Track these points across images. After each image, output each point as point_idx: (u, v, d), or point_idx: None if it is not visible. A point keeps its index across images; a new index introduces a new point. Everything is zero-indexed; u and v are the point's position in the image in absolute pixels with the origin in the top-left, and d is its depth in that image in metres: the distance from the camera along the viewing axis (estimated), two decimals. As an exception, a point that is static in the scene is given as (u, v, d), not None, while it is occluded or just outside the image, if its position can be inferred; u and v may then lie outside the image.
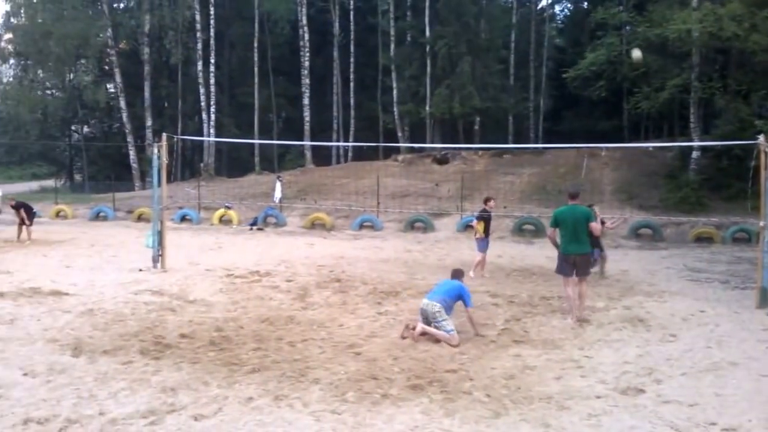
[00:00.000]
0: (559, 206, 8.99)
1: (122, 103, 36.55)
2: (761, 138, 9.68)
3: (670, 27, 22.23)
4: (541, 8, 44.34)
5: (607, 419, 5.00)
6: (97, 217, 25.40)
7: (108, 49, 36.54)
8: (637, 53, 18.87)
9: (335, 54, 38.20)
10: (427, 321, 7.36)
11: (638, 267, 14.00)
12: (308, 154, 36.47)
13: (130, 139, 36.76)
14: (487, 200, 12.89)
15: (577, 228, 8.25)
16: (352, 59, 38.66)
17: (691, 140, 24.93)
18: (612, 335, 7.54)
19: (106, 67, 39.49)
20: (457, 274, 8.16)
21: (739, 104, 24.48)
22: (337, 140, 38.02)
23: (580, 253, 8.27)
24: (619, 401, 5.41)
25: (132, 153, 36.72)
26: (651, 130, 36.01)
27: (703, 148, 24.04)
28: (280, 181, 25.99)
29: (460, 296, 7.63)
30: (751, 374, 6.14)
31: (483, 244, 12.70)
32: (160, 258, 12.19)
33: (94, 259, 13.60)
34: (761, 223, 9.48)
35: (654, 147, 27.20)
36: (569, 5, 45.95)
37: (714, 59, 25.96)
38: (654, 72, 26.64)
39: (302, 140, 34.93)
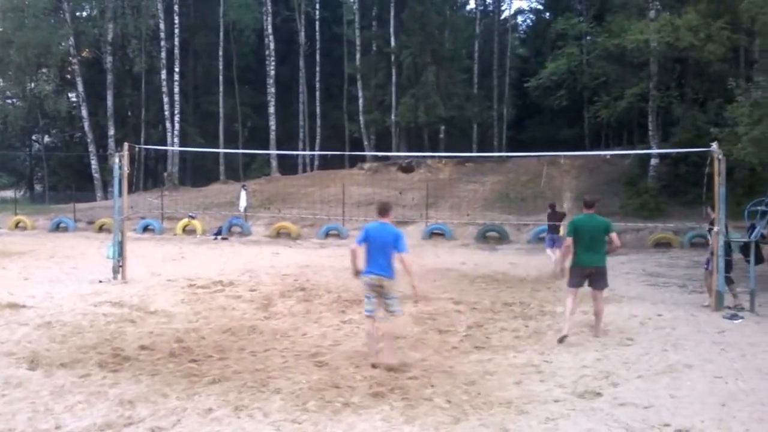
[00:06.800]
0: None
1: (84, 113, 35.84)
2: (714, 145, 9.98)
3: (628, 37, 22.74)
4: (504, 19, 44.98)
5: (564, 423, 5.08)
6: (57, 228, 24.96)
7: (70, 58, 35.88)
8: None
9: (301, 63, 38.12)
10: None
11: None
12: (274, 163, 36.28)
13: (92, 148, 36.05)
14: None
15: (594, 239, 7.79)
16: (317, 68, 38.62)
17: (649, 148, 25.48)
18: (571, 339, 7.64)
19: (68, 76, 38.70)
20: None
21: (695, 112, 25.17)
22: (303, 149, 37.86)
23: (595, 266, 7.79)
24: (576, 405, 5.50)
25: (94, 163, 36.01)
26: (611, 138, 36.71)
27: (661, 156, 24.58)
28: (245, 190, 25.80)
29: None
30: (705, 376, 6.30)
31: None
32: (120, 269, 12.02)
33: (53, 271, 13.35)
34: (715, 229, 9.75)
35: (611, 154, 27.77)
36: (531, 16, 46.69)
37: (671, 68, 26.60)
38: (613, 81, 27.26)
39: (268, 149, 34.74)
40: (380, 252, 6.67)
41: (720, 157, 9.70)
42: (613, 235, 7.94)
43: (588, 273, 7.80)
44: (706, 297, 10.35)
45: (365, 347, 7.08)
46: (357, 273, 6.89)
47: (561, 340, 7.51)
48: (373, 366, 6.47)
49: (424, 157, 32.47)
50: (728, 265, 9.92)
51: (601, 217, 8.32)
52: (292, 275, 13.04)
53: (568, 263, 8.05)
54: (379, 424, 5.00)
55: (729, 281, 9.94)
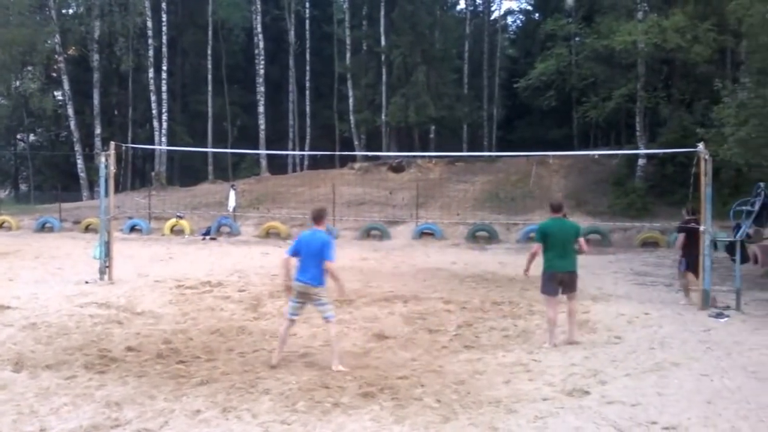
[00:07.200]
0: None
1: (70, 111, 35.59)
2: (701, 146, 10.05)
3: (617, 38, 22.89)
4: (494, 19, 45.10)
5: (552, 421, 5.09)
6: (42, 228, 24.70)
7: (56, 56, 35.61)
8: None
9: (291, 62, 38.04)
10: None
11: (586, 271, 14.16)
12: (263, 162, 36.16)
13: (78, 147, 35.78)
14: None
15: (565, 244, 7.54)
16: (307, 67, 38.57)
17: (637, 148, 25.66)
18: (559, 338, 7.67)
19: (54, 74, 38.45)
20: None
21: (682, 113, 25.35)
22: (293, 149, 37.78)
23: (567, 271, 7.54)
24: (565, 403, 5.51)
25: (80, 162, 35.73)
26: (600, 138, 36.90)
27: (648, 156, 24.75)
28: (234, 189, 25.69)
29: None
30: (692, 374, 6.35)
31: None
32: (107, 269, 11.92)
33: (38, 272, 13.23)
34: (701, 228, 9.82)
35: (599, 154, 27.95)
36: (521, 16, 46.88)
37: (658, 70, 26.78)
38: (601, 82, 27.41)
39: (257, 149, 34.63)
40: (309, 260, 6.57)
41: (706, 157, 9.77)
42: (582, 240, 7.78)
43: (560, 279, 7.54)
44: (683, 296, 10.49)
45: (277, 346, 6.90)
46: (287, 287, 6.79)
47: (555, 346, 7.36)
48: (271, 367, 6.48)
49: (414, 156, 32.52)
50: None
51: (570, 221, 8.14)
52: (282, 275, 12.97)
53: (532, 266, 7.75)
54: (369, 424, 4.99)
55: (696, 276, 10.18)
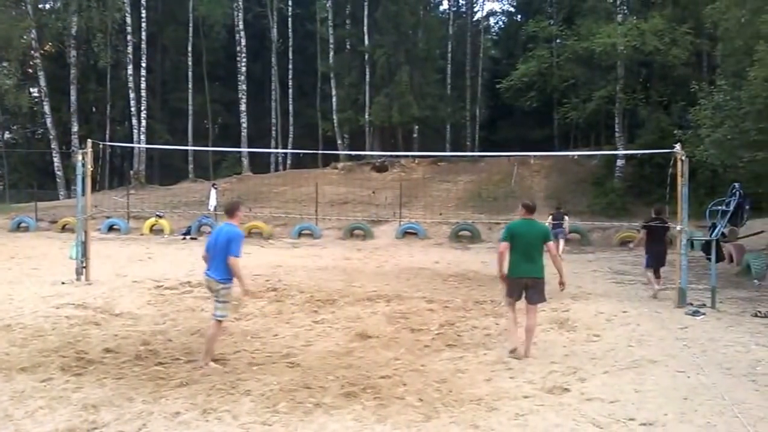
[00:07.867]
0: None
1: (46, 108, 35.08)
2: (678, 147, 10.18)
3: (597, 41, 23.16)
4: (477, 20, 45.26)
5: (533, 418, 5.12)
6: (18, 227, 24.28)
7: (32, 52, 35.10)
8: None
9: (273, 60, 37.86)
10: None
11: (566, 270, 14.29)
12: (245, 161, 35.96)
13: (54, 145, 35.32)
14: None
15: (531, 247, 6.97)
16: (290, 66, 38.44)
17: (616, 149, 25.95)
18: (540, 336, 7.71)
19: (30, 70, 37.89)
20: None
21: (660, 114, 25.70)
22: (276, 147, 37.62)
23: (532, 276, 6.93)
24: (545, 400, 5.55)
25: (56, 160, 35.26)
26: (580, 139, 37.21)
27: (627, 156, 25.03)
28: (215, 188, 25.50)
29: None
30: (668, 371, 6.42)
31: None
32: (84, 270, 11.74)
33: (13, 272, 12.99)
34: (678, 227, 9.95)
35: (579, 155, 28.22)
36: (503, 18, 47.06)
37: (637, 72, 27.13)
38: (582, 83, 27.69)
39: (239, 147, 34.44)
40: (216, 254, 6.55)
41: (683, 158, 9.90)
42: (551, 244, 7.19)
43: (524, 284, 6.96)
44: (652, 290, 10.89)
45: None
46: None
47: (512, 352, 6.94)
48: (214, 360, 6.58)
49: (397, 156, 32.60)
50: (661, 258, 10.83)
51: (541, 223, 7.86)
52: (264, 275, 12.89)
53: (505, 269, 7.11)
54: (351, 424, 4.99)
55: (657, 275, 10.90)
